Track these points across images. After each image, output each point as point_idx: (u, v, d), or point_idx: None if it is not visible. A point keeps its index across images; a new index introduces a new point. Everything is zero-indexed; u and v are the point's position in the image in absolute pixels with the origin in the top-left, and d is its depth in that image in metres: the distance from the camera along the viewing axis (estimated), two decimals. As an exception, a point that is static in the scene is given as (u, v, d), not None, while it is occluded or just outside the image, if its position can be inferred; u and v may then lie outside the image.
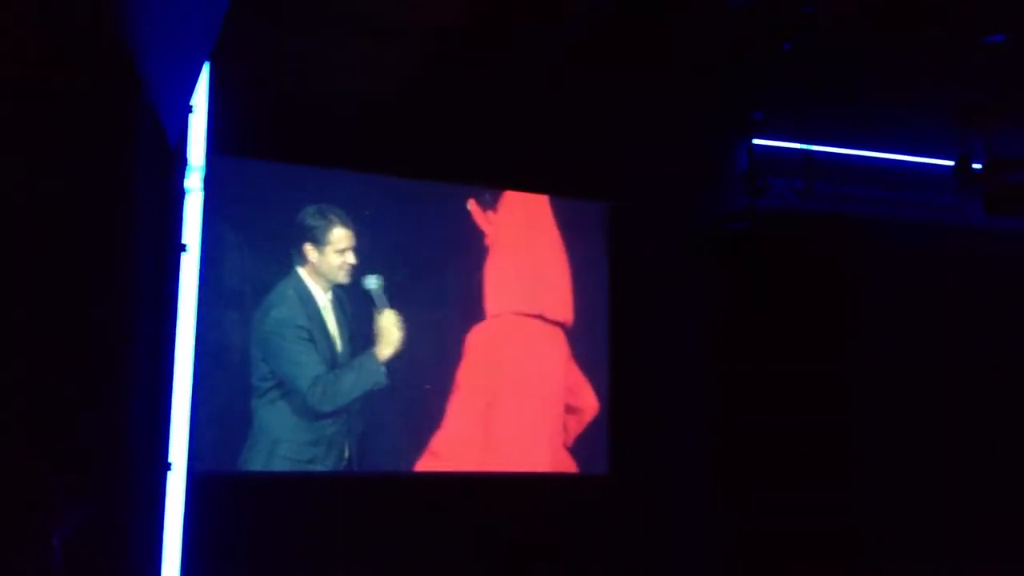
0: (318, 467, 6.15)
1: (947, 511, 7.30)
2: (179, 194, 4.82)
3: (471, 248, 6.71)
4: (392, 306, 6.37)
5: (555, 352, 6.88)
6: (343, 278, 6.30)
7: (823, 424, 7.08)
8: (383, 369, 6.34)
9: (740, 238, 6.99)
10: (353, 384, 6.27)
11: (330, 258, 6.28)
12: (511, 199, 6.85)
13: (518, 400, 6.71)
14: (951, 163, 7.05)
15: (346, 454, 6.24)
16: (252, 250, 6.13)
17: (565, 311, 6.92)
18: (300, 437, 6.12)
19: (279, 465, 6.06)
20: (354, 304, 6.34)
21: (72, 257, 4.07)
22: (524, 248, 6.85)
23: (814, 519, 6.86)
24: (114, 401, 4.24)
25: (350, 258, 6.31)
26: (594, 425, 6.89)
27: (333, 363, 6.25)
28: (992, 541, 7.24)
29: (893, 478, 7.30)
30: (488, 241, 6.73)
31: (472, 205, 6.69)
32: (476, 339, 6.65)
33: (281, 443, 6.07)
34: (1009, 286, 7.80)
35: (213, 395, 5.87)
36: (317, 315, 6.22)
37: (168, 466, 4.78)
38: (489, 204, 6.74)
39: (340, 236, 6.30)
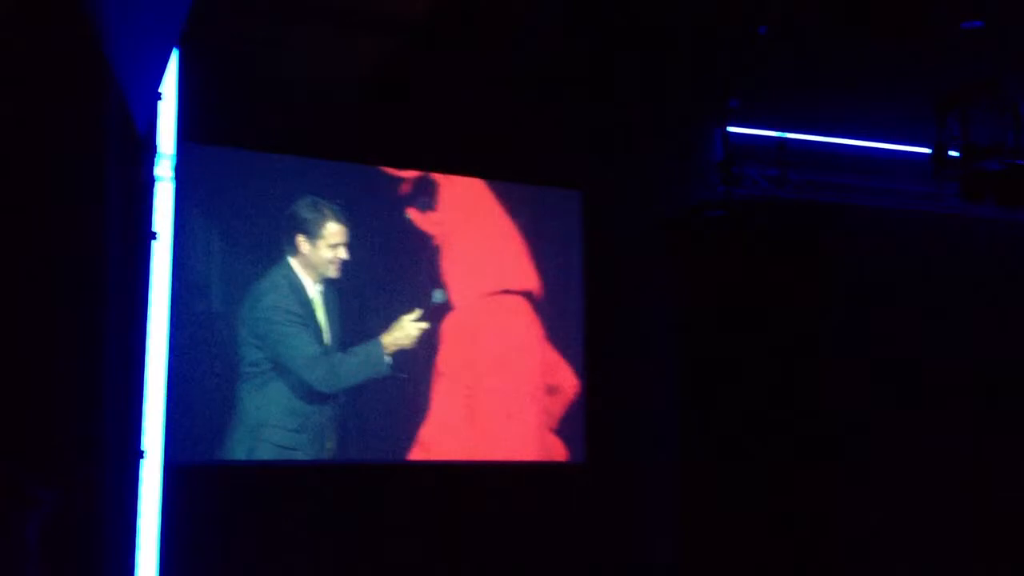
0: (300, 456, 6.13)
1: (925, 506, 7.30)
2: (149, 182, 4.83)
3: (429, 241, 6.68)
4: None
5: (530, 334, 6.86)
6: (333, 272, 6.29)
7: (796, 410, 7.09)
8: (388, 360, 6.36)
9: (716, 226, 7.00)
10: (356, 369, 6.28)
11: (322, 252, 6.27)
12: (447, 193, 6.75)
13: (499, 382, 6.71)
14: (927, 150, 7.06)
15: (327, 444, 6.23)
16: (224, 239, 6.11)
17: (535, 290, 6.90)
18: (287, 423, 6.10)
19: (263, 451, 6.04)
20: (343, 299, 6.32)
21: (41, 245, 4.07)
22: (476, 235, 6.80)
23: (788, 501, 6.90)
24: (85, 389, 4.24)
25: (342, 253, 6.30)
26: (575, 407, 6.89)
27: (324, 352, 6.26)
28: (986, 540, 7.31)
29: (867, 463, 7.31)
30: (437, 241, 6.69)
31: (412, 213, 6.63)
32: (450, 327, 6.65)
33: (266, 428, 6.05)
34: (986, 274, 7.82)
35: (191, 383, 5.86)
36: (308, 304, 6.22)
37: (141, 454, 4.79)
38: (428, 206, 6.69)
39: (334, 231, 6.30)
